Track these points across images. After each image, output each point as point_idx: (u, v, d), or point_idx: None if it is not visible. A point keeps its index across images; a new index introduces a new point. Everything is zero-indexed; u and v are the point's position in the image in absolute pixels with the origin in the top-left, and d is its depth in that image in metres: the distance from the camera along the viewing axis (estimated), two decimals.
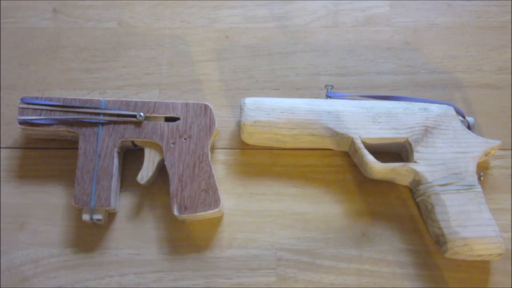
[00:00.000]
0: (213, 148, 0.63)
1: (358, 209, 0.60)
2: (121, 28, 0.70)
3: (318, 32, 0.70)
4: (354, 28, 0.70)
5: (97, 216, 0.57)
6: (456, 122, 0.60)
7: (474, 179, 0.57)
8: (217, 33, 0.70)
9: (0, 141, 0.63)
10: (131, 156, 0.62)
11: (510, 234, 0.59)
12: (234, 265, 0.58)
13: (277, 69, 0.68)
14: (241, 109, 0.60)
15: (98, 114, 0.59)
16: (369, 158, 0.58)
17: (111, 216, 0.60)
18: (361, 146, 0.58)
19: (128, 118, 0.59)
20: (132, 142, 0.60)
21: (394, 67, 0.68)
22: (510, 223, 0.60)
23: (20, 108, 0.59)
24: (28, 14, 0.70)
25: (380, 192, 0.61)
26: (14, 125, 0.63)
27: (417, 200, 0.59)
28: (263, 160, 0.63)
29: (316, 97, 0.65)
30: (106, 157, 0.58)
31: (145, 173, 0.58)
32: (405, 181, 0.60)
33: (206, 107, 0.60)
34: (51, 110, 0.59)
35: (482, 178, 0.58)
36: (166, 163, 0.58)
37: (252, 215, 0.60)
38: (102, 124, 0.59)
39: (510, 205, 0.61)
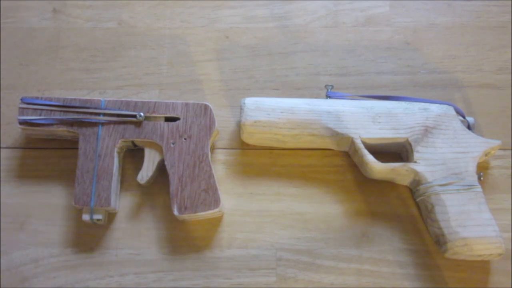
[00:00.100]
0: (213, 148, 0.63)
1: (358, 209, 0.60)
2: (121, 28, 0.70)
3: (318, 32, 0.70)
4: (354, 28, 0.70)
5: (97, 216, 0.57)
6: (456, 122, 0.60)
7: (474, 179, 0.57)
8: (217, 33, 0.70)
9: (0, 141, 0.63)
10: (131, 156, 0.62)
11: (510, 234, 0.59)
12: (234, 265, 0.58)
13: (277, 69, 0.68)
14: (241, 109, 0.60)
15: (98, 114, 0.59)
16: (369, 158, 0.58)
17: (111, 216, 0.60)
18: (361, 146, 0.58)
19: (128, 118, 0.59)
20: (132, 142, 0.60)
21: (394, 67, 0.68)
22: (510, 223, 0.60)
23: (20, 108, 0.59)
24: (28, 14, 0.70)
25: (380, 192, 0.61)
26: (14, 125, 0.63)
27: (417, 200, 0.59)
28: (263, 160, 0.63)
29: (316, 97, 0.65)
30: (106, 157, 0.58)
31: (145, 173, 0.58)
32: (405, 181, 0.60)
33: (206, 107, 0.60)
34: (51, 110, 0.59)
35: (482, 178, 0.58)
36: (166, 163, 0.58)
37: (252, 215, 0.60)
38: (102, 124, 0.59)
39: (510, 205, 0.61)
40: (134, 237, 0.59)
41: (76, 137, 0.60)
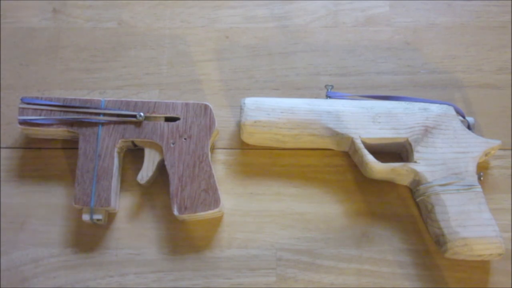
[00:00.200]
0: (213, 148, 0.63)
1: (358, 209, 0.60)
2: (121, 28, 0.70)
3: (318, 32, 0.70)
4: (354, 28, 0.70)
5: (97, 216, 0.57)
6: (456, 122, 0.60)
7: (474, 179, 0.57)
8: (217, 33, 0.70)
9: (0, 141, 0.63)
10: (131, 156, 0.62)
11: (510, 234, 0.59)
12: (234, 265, 0.58)
13: (277, 69, 0.68)
14: (241, 109, 0.60)
15: (98, 114, 0.59)
16: (369, 158, 0.58)
17: (111, 216, 0.60)
18: (361, 146, 0.58)
19: (128, 118, 0.59)
20: (132, 142, 0.60)
21: (394, 67, 0.68)
22: (510, 223, 0.60)
23: (20, 108, 0.59)
24: (28, 14, 0.70)
25: (380, 192, 0.61)
26: (14, 125, 0.63)
27: (417, 200, 0.59)
28: (263, 160, 0.63)
29: (316, 97, 0.65)
30: (106, 157, 0.58)
31: (145, 173, 0.58)
32: (405, 181, 0.60)
33: (206, 107, 0.60)
34: (51, 110, 0.59)
35: (482, 178, 0.58)
36: (166, 163, 0.58)
37: (252, 215, 0.60)
38: (102, 124, 0.59)
39: (510, 205, 0.61)
40: (134, 237, 0.59)
41: (76, 137, 0.60)
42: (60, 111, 0.60)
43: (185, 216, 0.57)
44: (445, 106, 0.61)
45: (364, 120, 0.59)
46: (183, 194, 0.57)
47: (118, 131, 0.59)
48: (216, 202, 0.57)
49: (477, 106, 0.66)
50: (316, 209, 0.60)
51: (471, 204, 0.55)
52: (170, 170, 0.57)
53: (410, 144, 0.59)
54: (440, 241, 0.55)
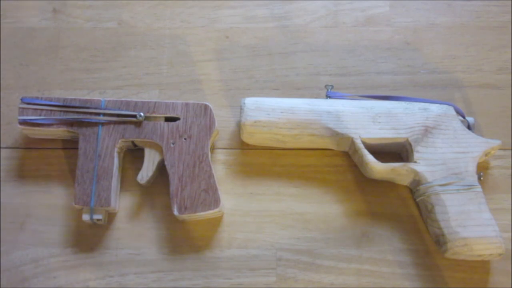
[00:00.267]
0: (213, 148, 0.63)
1: (358, 209, 0.60)
2: (121, 28, 0.70)
3: (318, 32, 0.70)
4: (354, 28, 0.70)
5: (97, 216, 0.57)
6: (456, 122, 0.60)
7: (474, 179, 0.57)
8: (217, 33, 0.70)
9: (0, 141, 0.63)
10: (131, 156, 0.62)
11: (510, 234, 0.59)
12: (234, 265, 0.58)
13: (277, 69, 0.68)
14: (241, 109, 0.60)
15: (98, 114, 0.59)
16: (369, 158, 0.58)
17: (111, 216, 0.60)
18: (361, 146, 0.58)
19: (128, 118, 0.59)
20: (132, 142, 0.60)
21: (394, 67, 0.68)
22: (510, 223, 0.60)
23: (20, 108, 0.59)
24: (28, 14, 0.70)
25: (380, 192, 0.61)
26: (14, 125, 0.63)
27: (417, 200, 0.59)
28: (263, 160, 0.63)
29: (316, 97, 0.65)
30: (106, 157, 0.58)
31: (145, 173, 0.58)
32: (405, 181, 0.60)
33: (206, 107, 0.60)
34: (51, 110, 0.59)
35: (482, 178, 0.58)
36: (166, 163, 0.58)
37: (252, 215, 0.60)
38: (102, 124, 0.59)
39: (510, 205, 0.61)
40: (134, 237, 0.59)
41: (76, 137, 0.60)
42: (60, 111, 0.60)
43: (185, 216, 0.57)
44: (445, 106, 0.61)
45: (364, 120, 0.59)
46: (183, 194, 0.57)
47: (118, 131, 0.59)
48: (216, 202, 0.57)
49: (477, 106, 0.66)
50: (316, 209, 0.60)
51: (471, 204, 0.55)
52: (170, 170, 0.57)
53: (410, 144, 0.59)
54: (440, 241, 0.55)
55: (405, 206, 0.61)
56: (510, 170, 0.62)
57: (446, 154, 0.58)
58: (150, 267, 0.58)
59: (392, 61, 0.68)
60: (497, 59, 0.68)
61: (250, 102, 0.60)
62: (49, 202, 0.60)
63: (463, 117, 0.61)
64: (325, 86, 0.64)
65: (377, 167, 0.58)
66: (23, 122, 0.59)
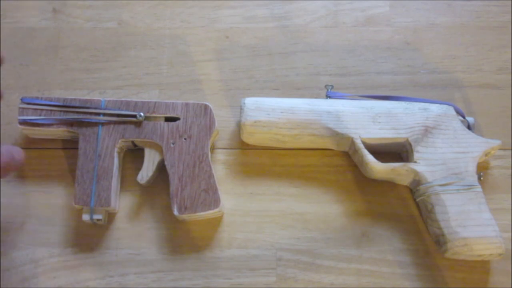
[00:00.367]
0: (213, 148, 0.63)
1: (358, 209, 0.60)
2: (121, 28, 0.70)
3: (318, 32, 0.70)
4: (354, 28, 0.70)
5: (97, 216, 0.57)
6: (456, 122, 0.60)
7: (474, 179, 0.57)
8: (217, 33, 0.70)
9: (0, 141, 0.63)
10: (131, 156, 0.62)
11: (510, 234, 0.59)
12: (234, 265, 0.58)
13: (277, 69, 0.68)
14: (241, 109, 0.60)
15: (98, 114, 0.59)
16: (369, 158, 0.58)
17: (111, 216, 0.60)
18: (361, 146, 0.58)
19: (128, 118, 0.59)
20: (132, 142, 0.60)
21: (394, 67, 0.68)
22: (510, 223, 0.60)
23: (20, 108, 0.59)
24: (28, 14, 0.70)
25: (380, 192, 0.61)
26: (14, 125, 0.63)
27: (417, 200, 0.59)
28: (263, 160, 0.63)
29: (316, 97, 0.65)
30: (106, 157, 0.58)
31: (145, 173, 0.58)
32: (405, 181, 0.60)
33: (206, 107, 0.60)
34: (51, 110, 0.59)
35: (482, 178, 0.58)
36: (166, 163, 0.58)
37: (252, 215, 0.60)
38: (102, 124, 0.59)
39: (510, 205, 0.61)
40: (134, 237, 0.59)
41: (76, 137, 0.60)
42: (60, 111, 0.59)
43: (185, 216, 0.57)
44: (445, 106, 0.61)
45: (364, 120, 0.59)
46: (183, 194, 0.57)
47: (118, 131, 0.59)
48: (216, 202, 0.57)
49: (477, 106, 0.66)
50: (316, 209, 0.60)
51: (471, 204, 0.55)
52: (170, 170, 0.57)
53: (410, 144, 0.59)
54: (440, 241, 0.55)
55: (405, 206, 0.61)
56: (510, 170, 0.62)
57: (446, 154, 0.58)
58: (150, 267, 0.58)
59: (392, 61, 0.68)
60: (497, 59, 0.68)
61: (250, 102, 0.60)
62: (49, 202, 0.60)
63: (463, 117, 0.61)
64: (325, 86, 0.64)
65: (377, 167, 0.58)
66: (23, 122, 0.59)
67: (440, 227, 0.55)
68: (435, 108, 0.61)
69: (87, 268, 0.58)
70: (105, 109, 0.60)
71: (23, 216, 0.60)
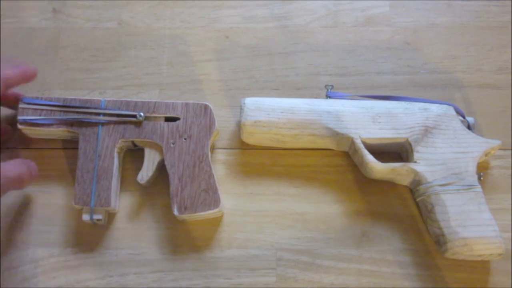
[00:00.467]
0: (213, 148, 0.63)
1: (358, 209, 0.60)
2: (121, 28, 0.70)
3: (318, 32, 0.70)
4: (354, 28, 0.70)
5: (97, 216, 0.57)
6: (456, 122, 0.60)
7: (474, 179, 0.57)
8: (217, 33, 0.70)
9: (0, 141, 0.63)
10: (131, 156, 0.62)
11: (510, 234, 0.59)
12: (234, 265, 0.58)
13: (277, 69, 0.68)
14: (241, 109, 0.60)
15: (98, 114, 0.59)
16: (369, 158, 0.58)
17: (111, 216, 0.60)
18: (361, 146, 0.58)
19: (128, 118, 0.59)
20: (132, 142, 0.60)
21: (394, 67, 0.68)
22: (510, 223, 0.60)
23: (20, 108, 0.59)
24: (28, 14, 0.70)
25: (380, 192, 0.61)
26: (14, 125, 0.63)
27: (417, 200, 0.59)
28: (263, 160, 0.63)
29: (316, 97, 0.65)
30: (106, 157, 0.58)
31: (145, 173, 0.58)
32: (405, 181, 0.60)
33: (206, 107, 0.60)
34: (51, 110, 0.59)
35: (482, 178, 0.58)
36: (166, 163, 0.58)
37: (252, 215, 0.60)
38: (102, 124, 0.59)
39: (510, 205, 0.61)
40: (134, 237, 0.59)
41: (76, 137, 0.60)
42: (60, 111, 0.60)
43: (185, 216, 0.57)
44: (445, 106, 0.61)
45: (364, 120, 0.59)
46: (183, 194, 0.57)
47: (118, 131, 0.59)
48: (216, 202, 0.57)
49: (477, 106, 0.66)
50: (316, 209, 0.60)
51: (471, 204, 0.55)
52: (170, 170, 0.57)
53: (410, 144, 0.59)
54: (440, 241, 0.55)
55: (405, 206, 0.61)
56: (510, 170, 0.62)
57: (446, 154, 0.58)
58: (150, 267, 0.58)
59: (392, 61, 0.68)
60: (497, 59, 0.68)
61: (250, 102, 0.60)
62: (49, 202, 0.60)
63: (463, 117, 0.61)
64: (325, 86, 0.64)
65: (377, 167, 0.58)
66: (23, 122, 0.59)
67: (440, 227, 0.55)
68: (435, 108, 0.61)
69: (87, 268, 0.58)
70: (105, 109, 0.60)
71: (23, 216, 0.60)
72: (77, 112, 0.59)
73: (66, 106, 0.60)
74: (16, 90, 0.65)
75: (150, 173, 0.58)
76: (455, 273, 0.58)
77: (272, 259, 0.58)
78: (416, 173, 0.57)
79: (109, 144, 0.59)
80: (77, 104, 0.60)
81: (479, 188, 0.56)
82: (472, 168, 0.57)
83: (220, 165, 0.62)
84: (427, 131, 0.59)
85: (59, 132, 0.60)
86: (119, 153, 0.60)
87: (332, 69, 0.68)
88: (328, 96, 0.63)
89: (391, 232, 0.59)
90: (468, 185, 0.56)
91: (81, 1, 0.71)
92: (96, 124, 0.59)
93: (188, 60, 0.68)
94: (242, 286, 0.57)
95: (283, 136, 0.60)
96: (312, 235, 0.59)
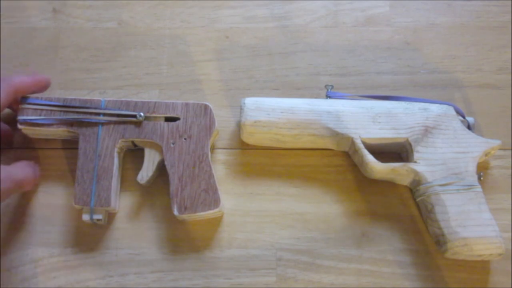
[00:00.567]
0: (213, 148, 0.63)
1: (358, 209, 0.60)
2: (121, 28, 0.70)
3: (318, 32, 0.70)
4: (354, 28, 0.70)
5: (97, 216, 0.57)
6: (456, 122, 0.60)
7: (474, 179, 0.57)
8: (217, 33, 0.70)
9: (0, 141, 0.63)
10: (131, 156, 0.62)
11: (510, 234, 0.59)
12: (234, 265, 0.58)
13: (277, 69, 0.68)
14: (241, 109, 0.60)
15: (98, 114, 0.59)
16: (369, 158, 0.58)
17: (111, 216, 0.60)
18: (361, 146, 0.58)
19: (128, 118, 0.59)
20: (132, 142, 0.60)
21: (394, 67, 0.68)
22: (510, 223, 0.60)
23: (20, 108, 0.59)
24: (28, 14, 0.70)
25: (380, 192, 0.61)
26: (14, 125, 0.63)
27: (417, 200, 0.59)
28: (263, 160, 0.63)
29: (316, 97, 0.65)
30: (106, 157, 0.58)
31: (145, 173, 0.58)
32: (405, 181, 0.60)
33: (206, 107, 0.60)
34: (51, 110, 0.59)
35: (482, 178, 0.58)
36: (166, 163, 0.58)
37: (252, 215, 0.60)
38: (102, 124, 0.59)
39: (510, 205, 0.61)
40: (134, 237, 0.59)
41: (76, 137, 0.60)
42: (60, 111, 0.59)
43: (185, 216, 0.57)
44: (445, 106, 0.61)
45: (364, 120, 0.59)
46: (183, 194, 0.57)
47: (118, 131, 0.59)
48: (216, 202, 0.57)
49: (477, 106, 0.66)
50: (316, 209, 0.60)
51: (471, 204, 0.55)
52: (170, 170, 0.57)
53: (410, 144, 0.59)
54: (440, 241, 0.55)
55: (405, 206, 0.61)
56: (510, 170, 0.62)
57: (446, 154, 0.58)
58: (150, 267, 0.58)
59: (392, 61, 0.68)
60: (497, 59, 0.68)
61: (250, 102, 0.60)
62: (49, 202, 0.60)
63: (463, 117, 0.61)
64: (325, 86, 0.64)
65: (377, 167, 0.58)
66: (23, 122, 0.59)
67: (440, 227, 0.55)
68: (435, 108, 0.61)
69: (87, 268, 0.58)
70: (105, 109, 0.60)
71: (23, 216, 0.60)
72: (77, 112, 0.59)
73: (66, 106, 0.60)
74: None
75: (150, 173, 0.58)
76: (455, 273, 0.58)
77: (272, 259, 0.58)
78: (416, 173, 0.57)
79: (109, 144, 0.59)
80: (77, 104, 0.60)
81: (479, 188, 0.56)
82: (472, 168, 0.57)
83: (220, 165, 0.62)
84: (427, 131, 0.59)
85: (59, 132, 0.60)
86: (119, 153, 0.60)
87: (332, 69, 0.68)
88: (328, 96, 0.63)
89: (391, 232, 0.59)
90: (468, 185, 0.56)
91: (81, 1, 0.71)
92: (96, 124, 0.59)
93: (188, 60, 0.68)
94: (242, 286, 0.57)
95: (283, 136, 0.60)
96: (312, 235, 0.59)
